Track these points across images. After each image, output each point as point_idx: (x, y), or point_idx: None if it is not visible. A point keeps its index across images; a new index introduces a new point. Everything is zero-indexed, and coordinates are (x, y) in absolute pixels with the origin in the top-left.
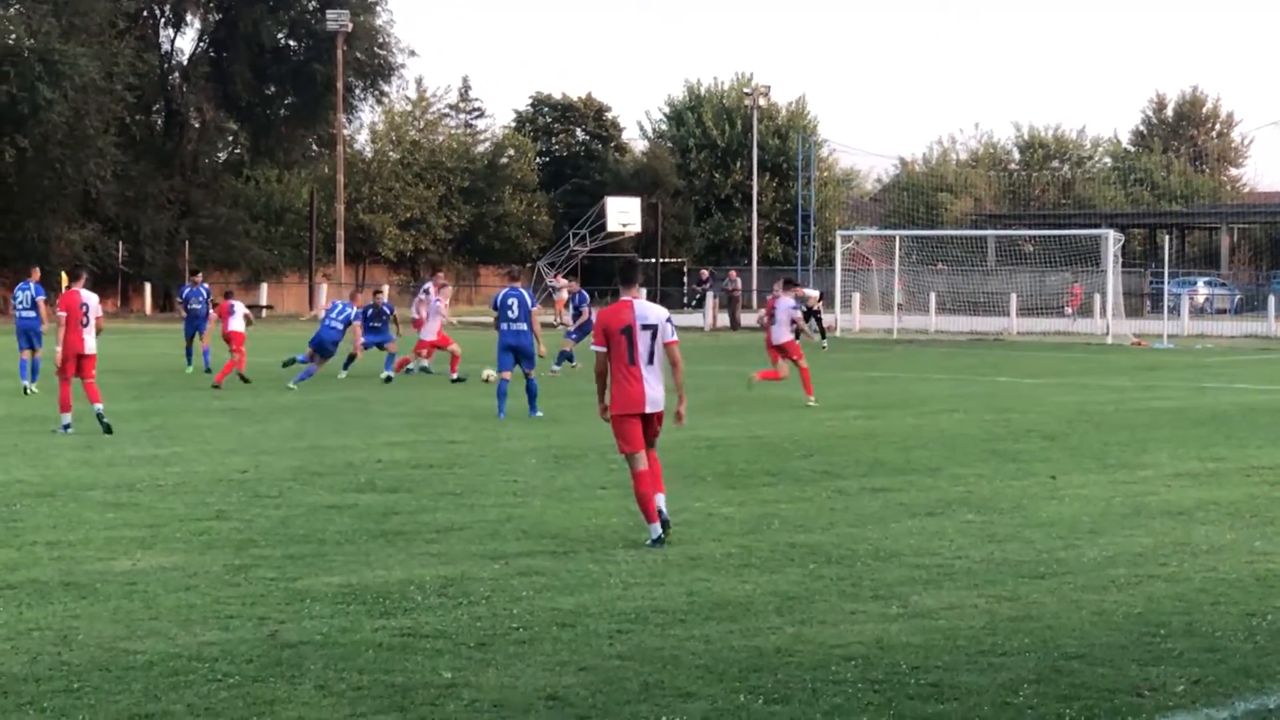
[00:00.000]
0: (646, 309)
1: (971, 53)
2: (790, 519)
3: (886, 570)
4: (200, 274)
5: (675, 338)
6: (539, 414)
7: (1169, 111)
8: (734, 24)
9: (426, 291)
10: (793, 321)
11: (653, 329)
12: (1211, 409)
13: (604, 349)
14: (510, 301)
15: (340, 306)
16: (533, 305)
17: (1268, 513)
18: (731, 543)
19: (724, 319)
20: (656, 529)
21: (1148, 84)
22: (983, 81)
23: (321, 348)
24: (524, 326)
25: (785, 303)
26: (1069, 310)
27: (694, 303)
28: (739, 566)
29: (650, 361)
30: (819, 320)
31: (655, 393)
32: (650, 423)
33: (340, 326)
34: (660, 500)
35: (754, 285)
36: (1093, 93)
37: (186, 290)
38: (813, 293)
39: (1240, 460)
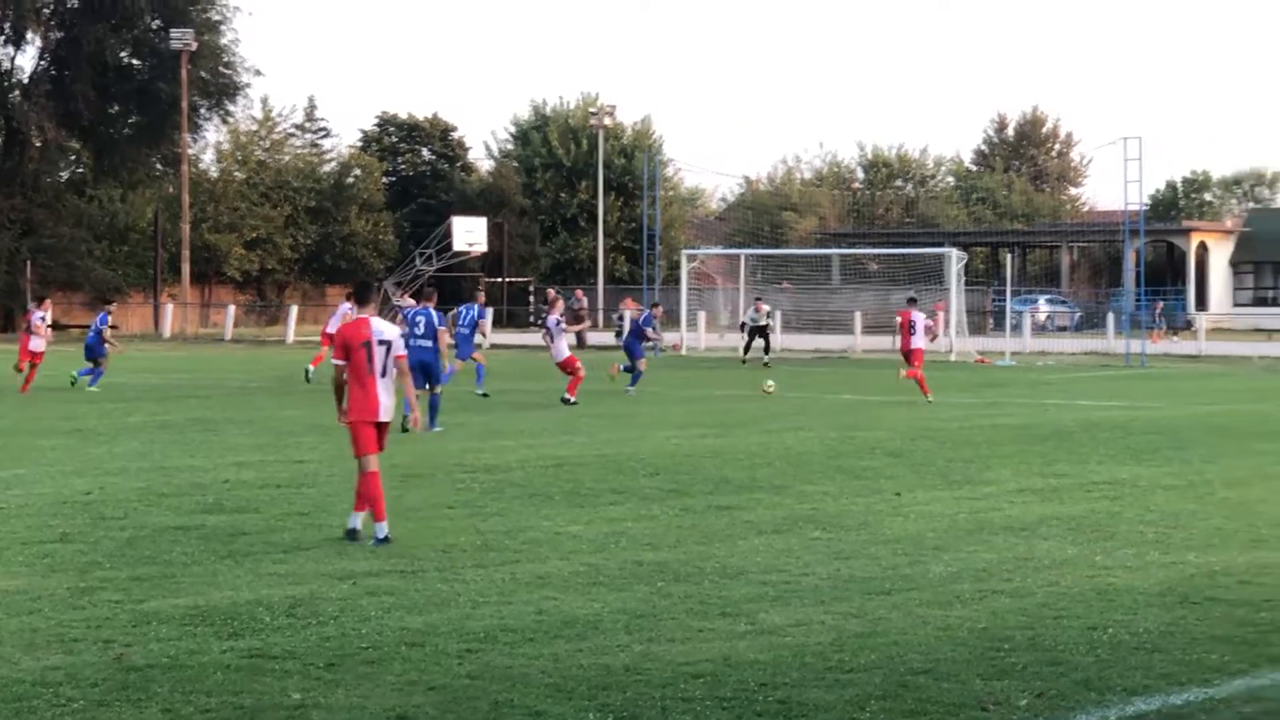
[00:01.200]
0: (382, 326)
1: (816, 72)
2: (637, 537)
3: (734, 588)
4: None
5: (404, 353)
6: (438, 429)
7: (1010, 131)
8: (579, 44)
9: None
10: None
11: (387, 344)
12: (1053, 426)
13: (344, 362)
14: (418, 320)
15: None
16: (440, 324)
17: (1108, 527)
18: (579, 561)
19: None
20: (383, 529)
21: (989, 104)
22: (827, 101)
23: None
24: (429, 344)
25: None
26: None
27: (540, 322)
28: (587, 585)
29: (384, 374)
30: (766, 337)
31: (389, 402)
32: (382, 431)
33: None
34: (356, 519)
35: (600, 304)
36: (935, 112)
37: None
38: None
39: (1081, 476)
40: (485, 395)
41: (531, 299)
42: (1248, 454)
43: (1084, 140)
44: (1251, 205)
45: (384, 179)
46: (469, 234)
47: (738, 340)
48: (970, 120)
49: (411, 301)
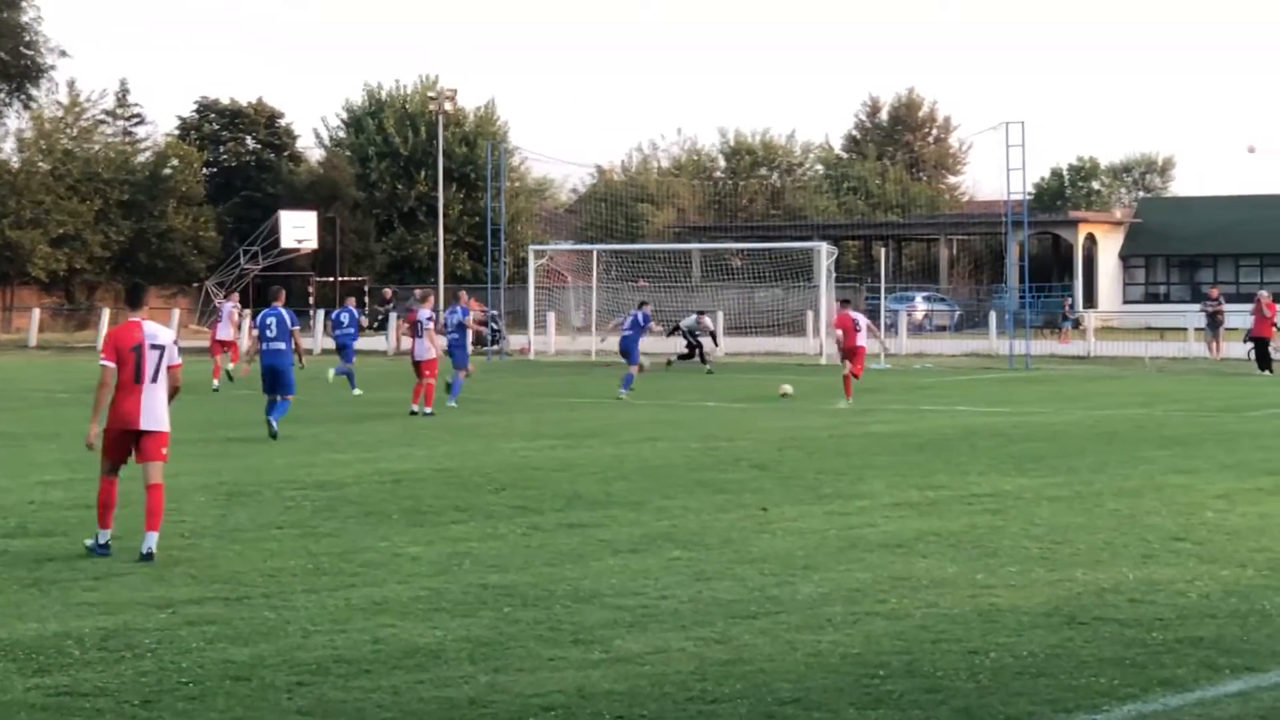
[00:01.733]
0: (156, 330)
1: (673, 51)
2: (482, 558)
3: (587, 612)
4: None
5: (179, 361)
6: (274, 424)
7: (883, 115)
8: (417, 23)
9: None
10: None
11: (161, 349)
12: (931, 433)
13: (114, 364)
14: (269, 321)
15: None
16: (293, 325)
17: (990, 543)
18: (419, 585)
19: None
20: (105, 535)
21: (861, 86)
22: (685, 83)
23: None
24: (282, 346)
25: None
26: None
27: (375, 324)
28: (428, 611)
29: (154, 380)
30: (698, 345)
31: (156, 411)
32: (150, 440)
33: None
34: (150, 540)
35: (441, 304)
36: (803, 95)
37: None
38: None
39: (961, 488)
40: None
41: (367, 300)
42: (1138, 462)
43: (963, 125)
44: (1142, 194)
45: (204, 170)
46: (298, 229)
47: (590, 343)
48: (840, 103)
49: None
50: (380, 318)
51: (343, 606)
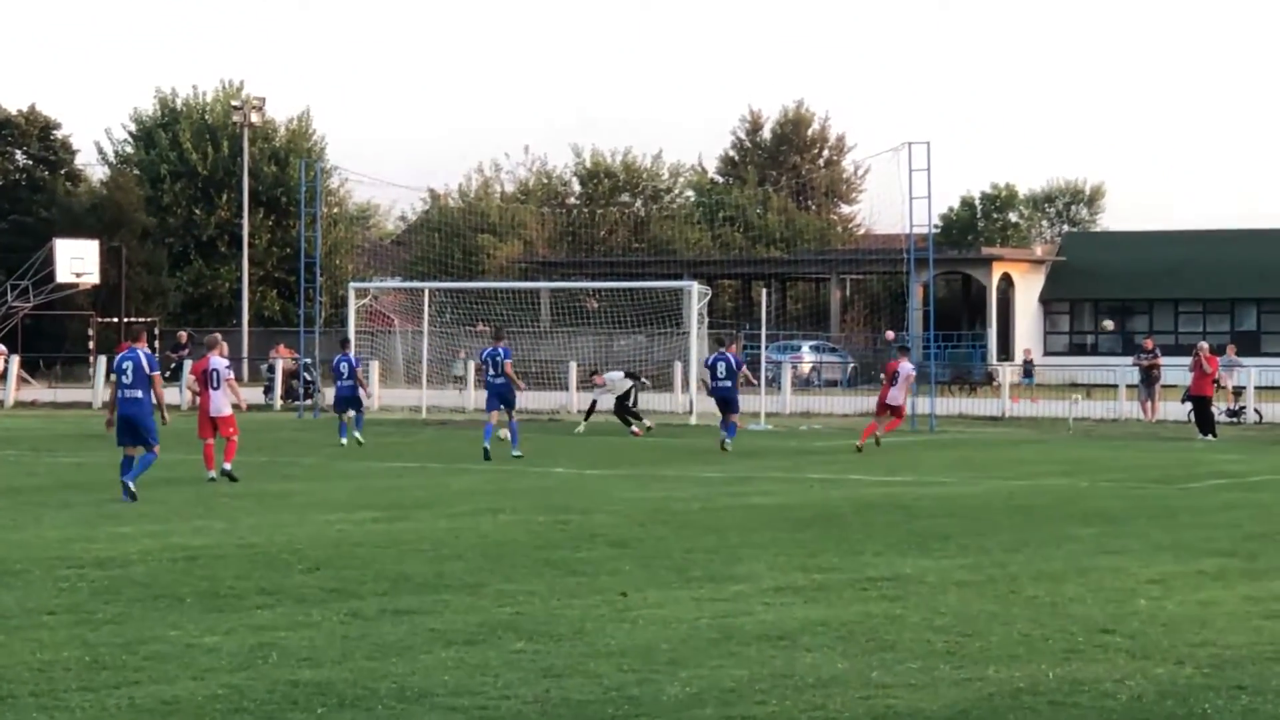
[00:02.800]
0: None
1: (518, 53)
2: (292, 650)
3: (415, 714)
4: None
5: None
6: (131, 484)
7: (766, 133)
8: (217, 19)
9: None
10: None
11: None
12: (819, 506)
13: None
14: (125, 365)
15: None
16: (153, 370)
17: (886, 635)
18: (217, 682)
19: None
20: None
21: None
22: (533, 93)
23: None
24: (139, 394)
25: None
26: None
27: (167, 374)
28: (227, 712)
29: None
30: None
31: None
32: None
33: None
34: None
35: (244, 350)
36: (671, 108)
37: None
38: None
39: (854, 570)
40: None
41: (158, 343)
42: (1060, 541)
43: (859, 145)
44: (1067, 228)
45: None
46: (77, 261)
47: (421, 398)
48: (715, 119)
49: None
50: (173, 365)
51: (126, 708)
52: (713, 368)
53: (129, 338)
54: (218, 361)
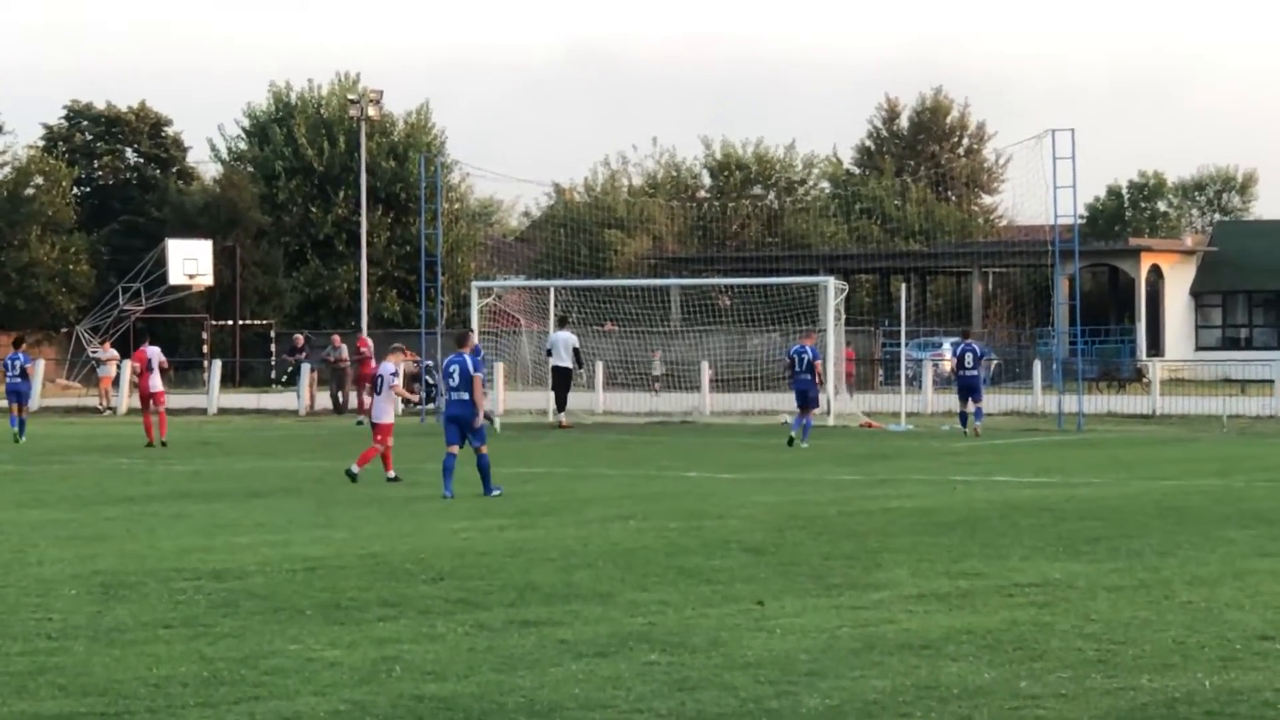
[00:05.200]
0: None
1: (646, 45)
2: (416, 663)
3: None
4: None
5: None
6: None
7: (903, 121)
8: (333, 11)
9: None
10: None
11: None
12: (963, 510)
13: None
14: (452, 369)
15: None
16: (477, 371)
17: (1034, 644)
18: (339, 697)
19: (324, 399)
20: None
21: (875, 86)
22: (661, 83)
23: None
24: (465, 396)
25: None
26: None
27: (285, 379)
28: None
29: None
30: None
31: None
32: None
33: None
34: None
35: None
36: (804, 97)
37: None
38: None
39: (999, 576)
40: None
41: (274, 347)
42: (1215, 544)
43: (1000, 133)
44: (1219, 217)
45: (75, 190)
46: (190, 262)
47: (548, 401)
48: (851, 107)
49: (114, 352)
50: (289, 370)
51: None
52: (793, 360)
53: (457, 343)
54: (386, 367)
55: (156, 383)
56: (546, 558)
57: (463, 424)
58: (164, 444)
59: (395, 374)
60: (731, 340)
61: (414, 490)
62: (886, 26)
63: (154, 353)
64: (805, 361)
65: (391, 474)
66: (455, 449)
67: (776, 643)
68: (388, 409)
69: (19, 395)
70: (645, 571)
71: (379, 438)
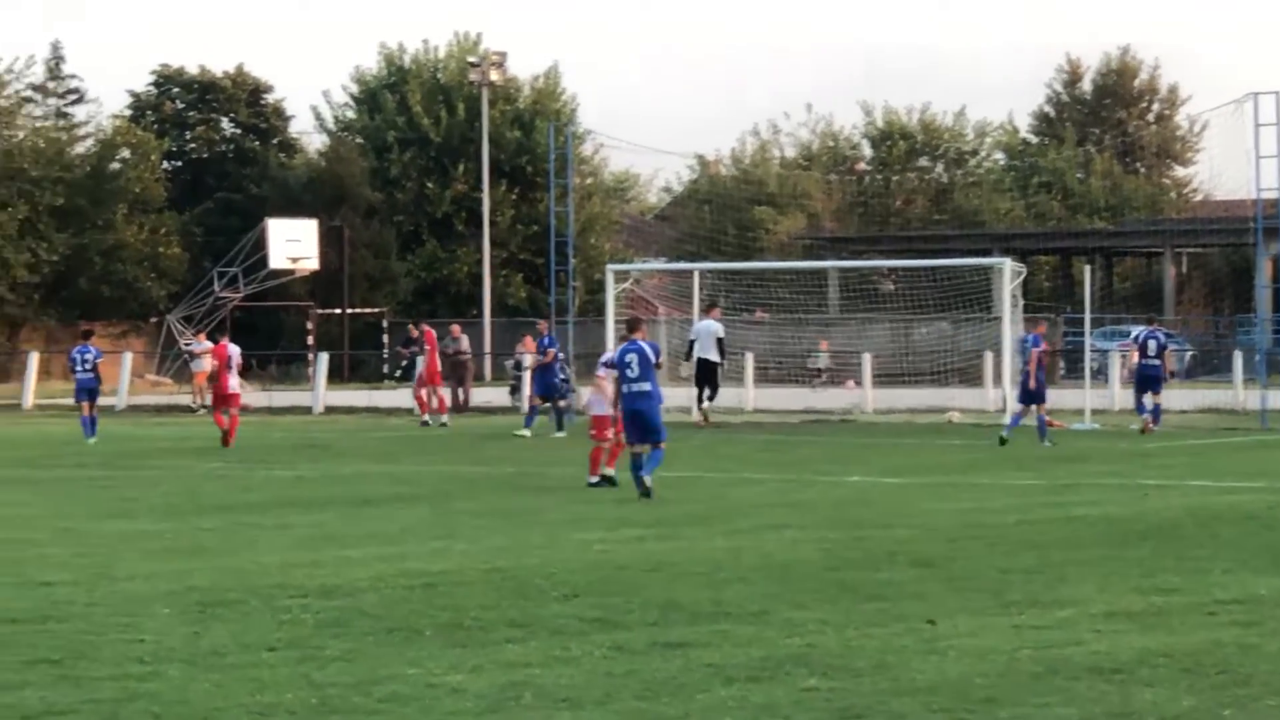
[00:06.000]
0: None
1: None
2: (549, 689)
3: None
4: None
5: None
6: (647, 480)
7: (1086, 85)
8: None
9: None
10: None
11: None
12: (1156, 518)
13: None
14: (629, 358)
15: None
16: (657, 359)
17: (1239, 667)
18: None
19: (445, 394)
20: None
21: (1055, 44)
22: (816, 42)
23: None
24: (647, 387)
25: None
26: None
27: (399, 373)
28: None
29: None
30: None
31: None
32: None
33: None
34: None
35: (486, 345)
36: (975, 58)
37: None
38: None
39: (1198, 592)
40: None
41: (386, 339)
42: None
43: (1194, 97)
44: None
45: (165, 164)
46: (292, 244)
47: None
48: (1027, 69)
49: (208, 344)
50: (404, 364)
51: None
52: (1024, 350)
53: (630, 329)
54: (606, 358)
55: (235, 383)
56: (692, 572)
57: (646, 419)
58: (226, 445)
59: (606, 363)
60: (896, 328)
61: (541, 498)
62: None
63: (234, 350)
64: (1027, 352)
65: (595, 478)
66: (639, 448)
67: (949, 666)
68: (601, 401)
69: (91, 393)
70: (802, 587)
71: (597, 433)
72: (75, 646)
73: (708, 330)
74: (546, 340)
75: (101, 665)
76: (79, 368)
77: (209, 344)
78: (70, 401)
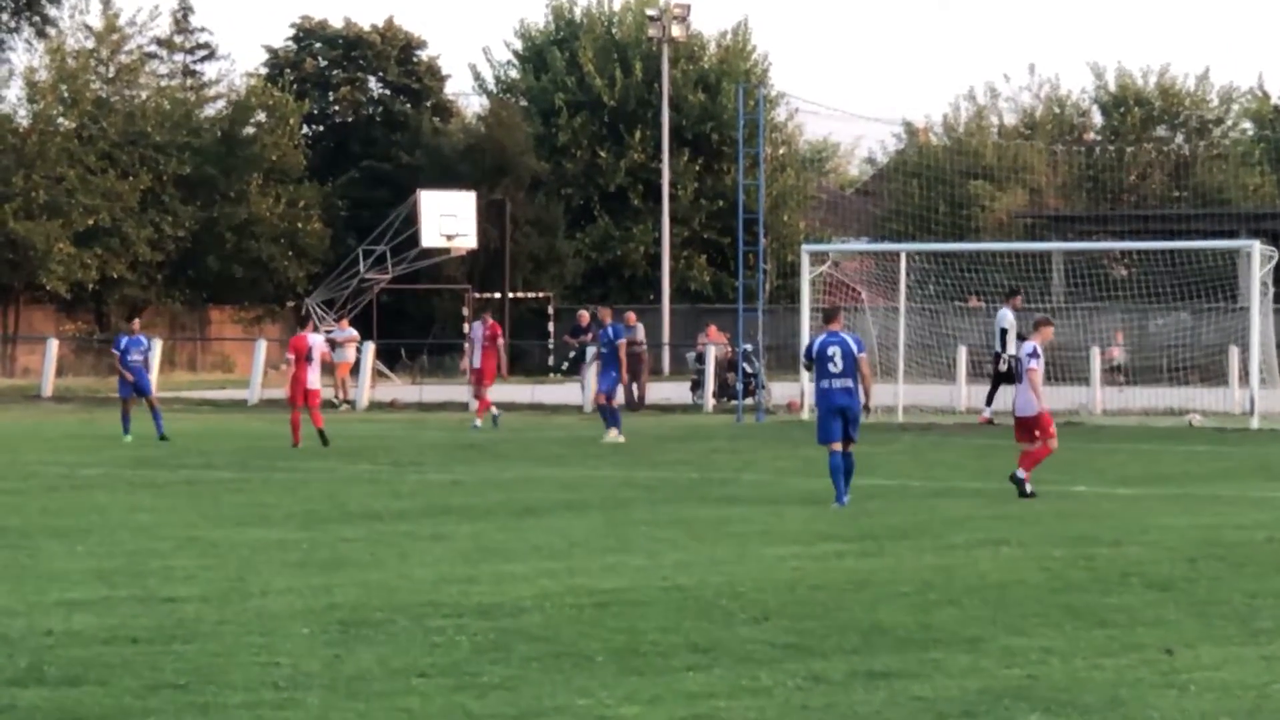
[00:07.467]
0: None
1: None
2: None
3: None
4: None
5: None
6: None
7: None
8: None
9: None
10: None
11: None
12: None
13: None
14: (830, 351)
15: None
16: (860, 351)
17: None
18: None
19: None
20: None
21: None
22: None
23: None
24: (850, 383)
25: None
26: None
27: (567, 366)
28: None
29: None
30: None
31: None
32: None
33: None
34: None
35: (665, 334)
36: (1219, 11)
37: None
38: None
39: None
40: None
41: (552, 327)
42: None
43: None
44: None
45: (305, 129)
46: (447, 219)
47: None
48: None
49: (353, 332)
50: (572, 355)
51: None
52: None
53: (826, 319)
54: (1026, 347)
55: (315, 378)
56: (898, 593)
57: (848, 416)
58: (322, 439)
59: (1035, 355)
60: (1129, 319)
61: (728, 508)
62: None
63: (316, 341)
64: None
65: (1030, 487)
66: (839, 446)
67: (1190, 702)
68: (1032, 400)
69: (140, 389)
70: (1023, 611)
71: (1037, 432)
72: (203, 670)
73: (1010, 321)
74: (613, 330)
75: (232, 691)
76: (127, 358)
77: (353, 332)
78: (191, 396)
